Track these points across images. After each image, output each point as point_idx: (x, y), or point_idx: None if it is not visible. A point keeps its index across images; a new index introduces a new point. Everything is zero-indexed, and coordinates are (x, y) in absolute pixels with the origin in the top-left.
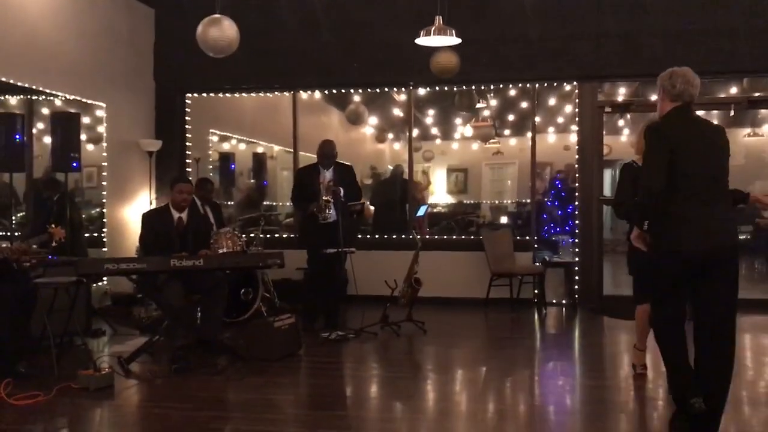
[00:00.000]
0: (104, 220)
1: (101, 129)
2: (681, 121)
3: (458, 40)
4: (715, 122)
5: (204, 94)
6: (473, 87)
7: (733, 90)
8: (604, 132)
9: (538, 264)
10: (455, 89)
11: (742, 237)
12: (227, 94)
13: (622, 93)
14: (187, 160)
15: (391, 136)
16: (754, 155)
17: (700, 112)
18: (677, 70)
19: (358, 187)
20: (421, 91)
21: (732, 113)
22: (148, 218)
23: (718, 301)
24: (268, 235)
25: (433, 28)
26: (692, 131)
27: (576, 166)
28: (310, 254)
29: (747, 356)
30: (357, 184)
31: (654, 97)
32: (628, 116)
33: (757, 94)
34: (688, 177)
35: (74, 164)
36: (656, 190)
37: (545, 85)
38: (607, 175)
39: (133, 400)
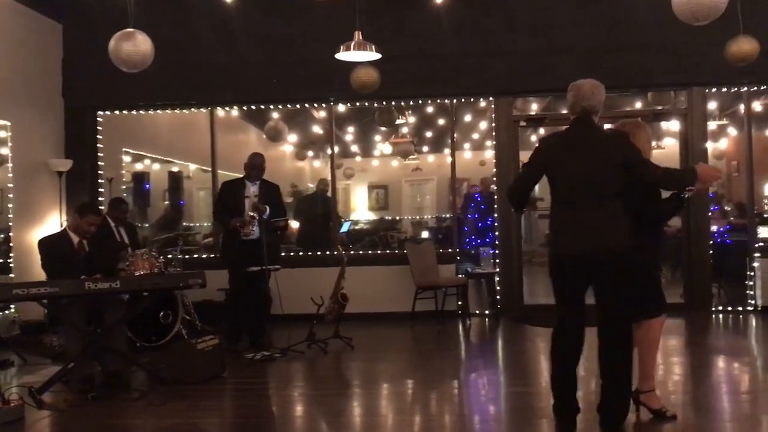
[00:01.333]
0: (11, 244)
1: (5, 151)
2: (569, 132)
3: (378, 56)
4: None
5: (116, 112)
6: (393, 103)
7: (638, 104)
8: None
9: (461, 276)
10: (375, 105)
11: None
12: (141, 111)
13: (534, 108)
14: (100, 180)
15: (311, 153)
16: None
17: (607, 125)
18: (575, 83)
19: (283, 207)
20: (341, 108)
21: None
22: (46, 245)
23: (606, 306)
24: (186, 256)
25: (352, 44)
26: (571, 141)
27: (494, 179)
28: (231, 272)
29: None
30: (282, 204)
31: (565, 111)
32: (541, 131)
33: (660, 107)
34: (561, 185)
35: None
36: (510, 196)
37: (462, 101)
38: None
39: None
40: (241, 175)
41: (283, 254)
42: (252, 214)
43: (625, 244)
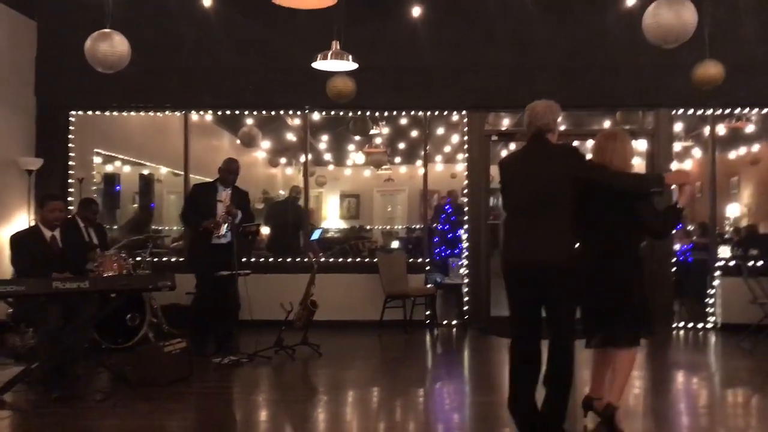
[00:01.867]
0: None
1: None
2: (524, 149)
3: (355, 65)
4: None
5: (89, 112)
6: (368, 113)
7: (607, 123)
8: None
9: (430, 285)
10: (350, 114)
11: None
12: (114, 113)
13: (505, 123)
14: (70, 180)
15: (284, 160)
16: None
17: (576, 142)
18: (530, 104)
19: (252, 214)
20: (316, 116)
21: None
22: (18, 240)
23: (550, 318)
24: (155, 259)
25: (330, 53)
26: (524, 158)
27: (465, 191)
28: (199, 276)
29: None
30: (251, 211)
31: None
32: (512, 146)
33: (628, 127)
34: (510, 197)
35: None
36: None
37: (436, 113)
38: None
39: None
40: (212, 179)
41: (253, 260)
42: (225, 213)
43: (564, 257)
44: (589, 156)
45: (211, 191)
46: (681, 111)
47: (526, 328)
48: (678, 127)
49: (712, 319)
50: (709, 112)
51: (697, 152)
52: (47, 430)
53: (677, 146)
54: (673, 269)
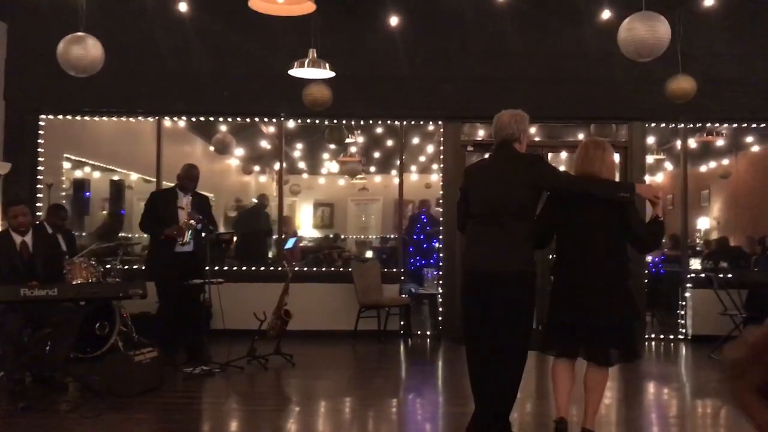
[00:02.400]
0: None
1: None
2: (489, 158)
3: (332, 73)
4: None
5: (59, 116)
6: (344, 122)
7: (581, 135)
8: None
9: (404, 296)
10: (326, 123)
11: None
12: (85, 117)
13: (480, 134)
14: (39, 186)
15: (257, 168)
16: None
17: (551, 155)
18: (498, 114)
19: (214, 220)
20: (291, 124)
21: None
22: None
23: (505, 327)
24: (125, 267)
25: (306, 60)
26: (488, 166)
27: (440, 201)
28: (160, 286)
29: None
30: (213, 216)
31: None
32: (486, 156)
33: (601, 139)
34: (473, 205)
35: None
36: (458, 226)
37: (412, 123)
38: None
39: None
40: (171, 185)
41: (226, 268)
42: (189, 221)
43: (519, 266)
44: (562, 168)
45: (170, 198)
46: (654, 124)
47: (479, 340)
48: (650, 140)
49: (683, 330)
50: (681, 125)
51: (668, 165)
52: None
53: (650, 159)
54: (645, 281)
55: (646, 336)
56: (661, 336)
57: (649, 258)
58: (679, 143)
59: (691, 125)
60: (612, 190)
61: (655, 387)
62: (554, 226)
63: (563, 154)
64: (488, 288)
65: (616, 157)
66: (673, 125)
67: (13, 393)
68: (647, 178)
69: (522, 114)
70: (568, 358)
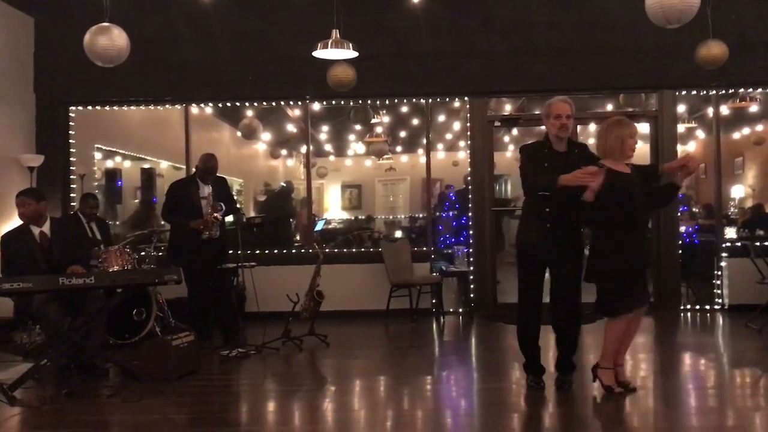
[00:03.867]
0: None
1: None
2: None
3: (355, 54)
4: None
5: (89, 107)
6: (368, 102)
7: (610, 106)
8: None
9: (435, 274)
10: (351, 104)
11: None
12: (114, 107)
13: (507, 109)
14: (72, 177)
15: (284, 152)
16: None
17: (579, 127)
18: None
19: (233, 199)
20: (316, 107)
21: None
22: (6, 241)
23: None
24: (160, 253)
25: (330, 41)
26: None
27: (469, 178)
28: (186, 272)
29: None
30: (232, 196)
31: (538, 111)
32: (514, 132)
33: (631, 110)
34: None
35: None
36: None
37: (438, 100)
38: (496, 188)
39: (19, 428)
40: (189, 175)
41: (258, 252)
42: (216, 215)
43: (518, 236)
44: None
45: (192, 188)
46: (684, 92)
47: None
48: (681, 108)
49: (719, 300)
50: (713, 92)
51: (701, 133)
52: (59, 426)
53: (681, 128)
54: (679, 252)
55: (682, 307)
56: (697, 306)
57: (683, 228)
58: (711, 110)
59: (723, 91)
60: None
61: (692, 358)
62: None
63: (591, 126)
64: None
65: (645, 127)
66: (705, 92)
67: (58, 380)
68: (679, 148)
69: (549, 101)
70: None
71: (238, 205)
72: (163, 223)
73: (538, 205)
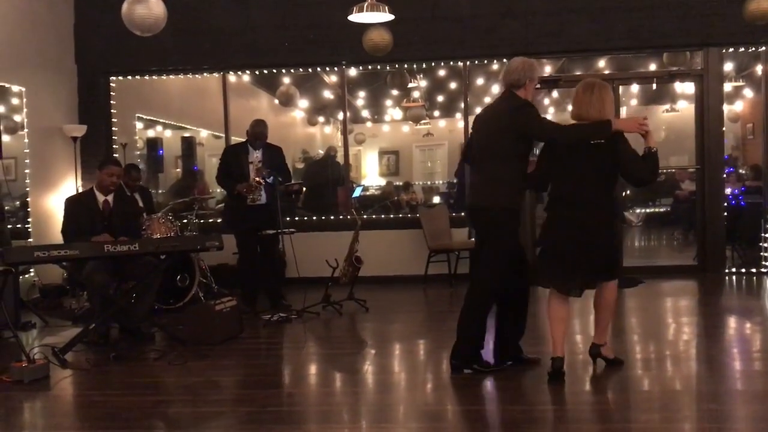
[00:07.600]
0: (28, 209)
1: (18, 118)
2: (491, 102)
3: (391, 17)
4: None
5: (129, 77)
6: (405, 66)
7: (653, 66)
8: None
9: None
10: (387, 68)
11: (662, 210)
12: (153, 77)
13: (547, 71)
14: (114, 146)
15: (322, 119)
16: (673, 130)
17: (621, 87)
18: (511, 59)
19: (287, 169)
20: (353, 73)
21: (654, 87)
22: (71, 204)
23: (480, 256)
24: (201, 221)
25: (365, 5)
26: (486, 110)
27: None
28: (239, 238)
29: (669, 317)
30: (286, 166)
31: (579, 72)
32: (554, 94)
33: (675, 68)
34: (470, 149)
35: None
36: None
37: (475, 63)
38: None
39: (71, 389)
40: (243, 140)
41: (297, 218)
42: (258, 179)
43: (496, 203)
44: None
45: (241, 153)
46: (732, 49)
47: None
48: (728, 66)
49: (766, 263)
50: (762, 49)
51: (748, 92)
52: (108, 387)
53: (728, 87)
54: (725, 214)
55: (727, 270)
56: (743, 270)
57: (728, 190)
58: (759, 68)
59: None
60: (588, 134)
61: (737, 322)
62: (552, 168)
63: (634, 87)
64: (472, 220)
65: (690, 87)
66: (753, 49)
67: (99, 344)
68: (725, 108)
69: (532, 62)
70: (563, 293)
71: (286, 177)
72: (212, 190)
73: (524, 171)
